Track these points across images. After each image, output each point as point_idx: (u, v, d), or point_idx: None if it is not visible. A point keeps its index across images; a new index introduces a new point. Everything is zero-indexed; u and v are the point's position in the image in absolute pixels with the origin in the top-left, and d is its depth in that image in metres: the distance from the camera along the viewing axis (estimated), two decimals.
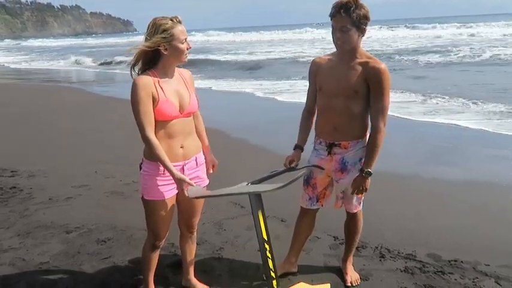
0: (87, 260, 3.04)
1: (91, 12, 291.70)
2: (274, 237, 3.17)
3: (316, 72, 2.49)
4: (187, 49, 2.15)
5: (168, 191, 2.25)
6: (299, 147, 2.60)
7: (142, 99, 2.06)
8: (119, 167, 5.21)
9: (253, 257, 2.98)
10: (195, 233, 2.58)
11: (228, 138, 6.40)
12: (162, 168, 2.18)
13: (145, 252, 2.44)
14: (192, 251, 2.61)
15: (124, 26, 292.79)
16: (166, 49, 2.10)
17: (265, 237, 2.20)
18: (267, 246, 2.21)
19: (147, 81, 2.09)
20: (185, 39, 2.13)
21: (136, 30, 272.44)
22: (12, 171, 5.11)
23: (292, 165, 2.54)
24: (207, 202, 3.81)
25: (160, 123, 2.14)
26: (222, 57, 22.60)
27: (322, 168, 2.52)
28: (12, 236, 3.45)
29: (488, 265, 2.88)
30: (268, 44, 32.52)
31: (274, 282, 2.26)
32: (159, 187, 2.22)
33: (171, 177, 2.19)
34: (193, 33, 57.70)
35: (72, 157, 5.74)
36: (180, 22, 2.12)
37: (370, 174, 2.40)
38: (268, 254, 2.22)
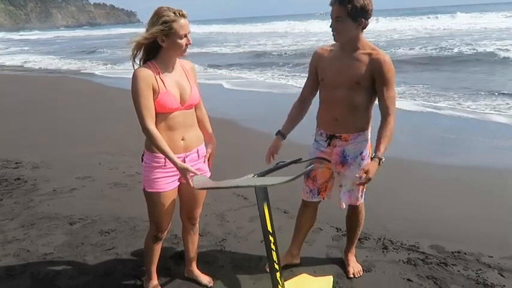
0: (91, 251, 3.06)
1: (94, 3, 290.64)
2: (277, 229, 3.16)
3: (318, 62, 2.46)
4: (186, 45, 2.10)
5: (170, 183, 2.25)
6: (281, 134, 2.57)
7: (143, 90, 2.05)
8: (122, 158, 5.23)
9: (256, 248, 2.98)
10: (197, 225, 2.58)
11: None
12: (163, 160, 2.18)
13: (147, 243, 2.45)
14: (194, 243, 2.62)
15: (127, 17, 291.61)
16: (163, 41, 2.07)
17: (270, 229, 2.20)
18: (271, 238, 2.21)
19: (147, 73, 2.07)
20: (185, 34, 2.08)
21: (140, 21, 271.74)
22: (16, 163, 5.14)
23: (275, 155, 2.55)
24: (209, 194, 3.81)
25: (161, 115, 2.13)
26: None
27: (329, 161, 2.49)
28: (17, 227, 3.47)
29: (492, 257, 2.87)
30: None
31: (278, 274, 2.26)
32: (160, 179, 2.22)
33: (172, 169, 2.18)
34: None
35: (76, 148, 5.76)
36: (183, 16, 2.07)
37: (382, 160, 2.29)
38: (273, 246, 2.22)
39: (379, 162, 2.24)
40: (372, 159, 2.29)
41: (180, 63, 2.25)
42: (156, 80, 2.09)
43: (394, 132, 2.33)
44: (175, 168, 2.16)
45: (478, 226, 3.32)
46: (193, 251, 2.63)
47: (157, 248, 2.46)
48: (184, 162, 2.21)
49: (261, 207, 2.17)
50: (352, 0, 2.15)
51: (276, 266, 2.25)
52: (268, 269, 2.43)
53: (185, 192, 2.36)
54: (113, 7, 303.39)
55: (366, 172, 2.21)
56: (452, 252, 2.94)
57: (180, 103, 2.16)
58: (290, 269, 2.76)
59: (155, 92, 2.08)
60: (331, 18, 2.26)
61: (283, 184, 2.03)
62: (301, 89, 2.63)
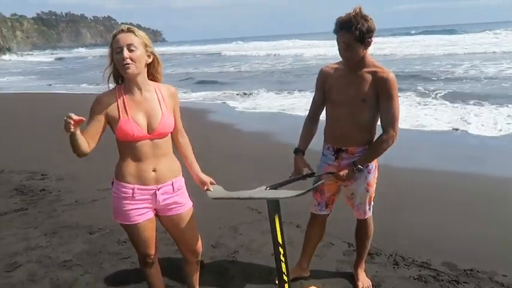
0: (108, 259, 3.18)
1: (122, 23, 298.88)
2: (288, 243, 3.23)
3: (325, 81, 2.52)
4: (123, 60, 1.87)
5: (142, 215, 2.07)
6: (301, 151, 2.58)
7: (93, 113, 1.98)
8: None
9: (268, 261, 3.03)
10: (199, 257, 2.36)
11: None
12: (131, 191, 2.02)
13: (141, 269, 2.32)
14: (196, 278, 2.43)
15: (153, 36, 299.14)
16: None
17: (280, 240, 2.25)
18: (281, 249, 2.26)
19: (107, 100, 1.97)
20: (122, 49, 1.87)
21: (165, 40, 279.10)
22: (42, 175, 5.38)
23: (304, 172, 2.56)
24: (222, 206, 3.86)
25: (127, 144, 1.99)
26: None
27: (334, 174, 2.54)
28: (40, 235, 3.64)
29: (506, 276, 2.82)
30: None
31: (286, 285, 2.31)
32: (131, 211, 2.05)
33: (142, 201, 2.05)
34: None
35: (100, 161, 5.91)
36: (126, 31, 1.92)
37: (360, 171, 2.42)
38: (282, 258, 2.27)
39: (354, 169, 2.41)
40: (353, 165, 2.41)
41: (157, 88, 2.05)
42: (118, 107, 1.95)
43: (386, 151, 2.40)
44: (145, 199, 2.05)
45: (493, 244, 3.27)
46: (195, 284, 2.45)
47: (151, 272, 2.28)
48: (156, 195, 2.06)
49: (272, 219, 2.23)
50: (359, 25, 2.18)
51: (285, 278, 2.30)
52: (277, 281, 2.48)
53: (168, 226, 2.20)
54: (139, 26, 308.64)
55: (340, 177, 2.43)
56: (464, 270, 2.90)
57: (148, 131, 1.98)
58: (299, 281, 2.79)
59: (116, 120, 1.94)
60: (338, 44, 2.30)
61: (295, 198, 2.09)
62: None
